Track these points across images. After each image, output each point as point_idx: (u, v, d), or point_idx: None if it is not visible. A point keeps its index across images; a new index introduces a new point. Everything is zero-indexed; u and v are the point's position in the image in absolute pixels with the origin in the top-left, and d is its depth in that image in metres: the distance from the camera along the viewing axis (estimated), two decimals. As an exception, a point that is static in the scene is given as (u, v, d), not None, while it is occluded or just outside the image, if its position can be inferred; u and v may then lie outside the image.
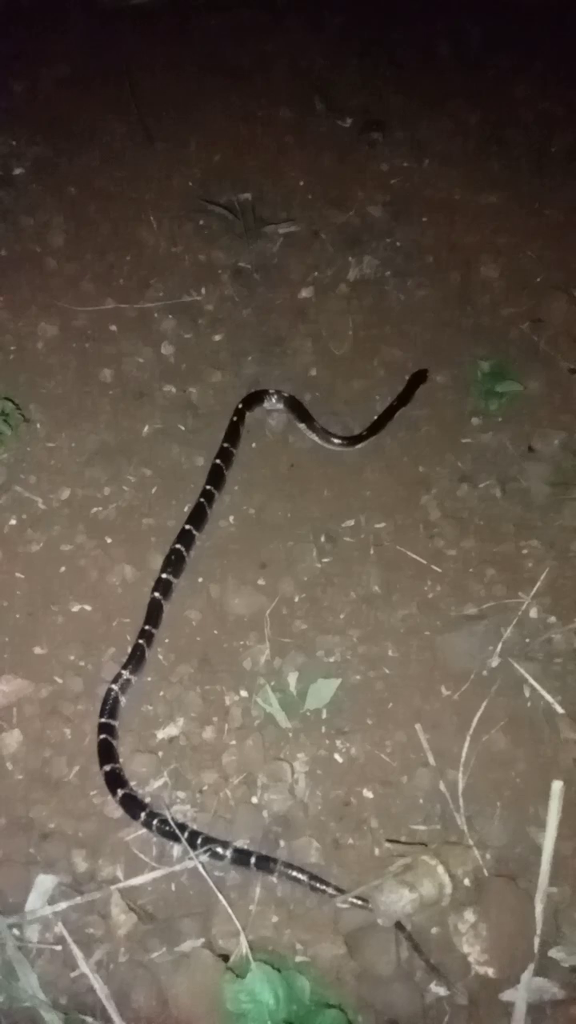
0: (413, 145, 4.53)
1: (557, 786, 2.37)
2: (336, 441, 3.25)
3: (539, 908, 2.23)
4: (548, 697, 2.63)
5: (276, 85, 4.84)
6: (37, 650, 2.69)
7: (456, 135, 4.64)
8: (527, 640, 2.78)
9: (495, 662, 2.71)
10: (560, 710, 2.62)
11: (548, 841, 2.31)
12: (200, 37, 5.17)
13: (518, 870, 2.33)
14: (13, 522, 2.96)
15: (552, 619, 2.83)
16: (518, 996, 2.12)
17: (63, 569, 2.86)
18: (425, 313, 3.81)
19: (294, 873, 2.24)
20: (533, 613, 2.83)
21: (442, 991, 2.13)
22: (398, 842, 2.30)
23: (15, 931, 2.12)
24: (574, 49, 5.19)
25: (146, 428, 3.27)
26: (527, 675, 2.67)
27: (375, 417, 3.34)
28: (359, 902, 2.19)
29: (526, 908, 2.22)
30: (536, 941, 2.18)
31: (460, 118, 4.74)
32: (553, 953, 2.20)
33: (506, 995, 2.14)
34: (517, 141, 4.68)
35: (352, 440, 3.26)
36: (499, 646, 2.72)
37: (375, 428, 3.29)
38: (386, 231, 4.11)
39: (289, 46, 5.09)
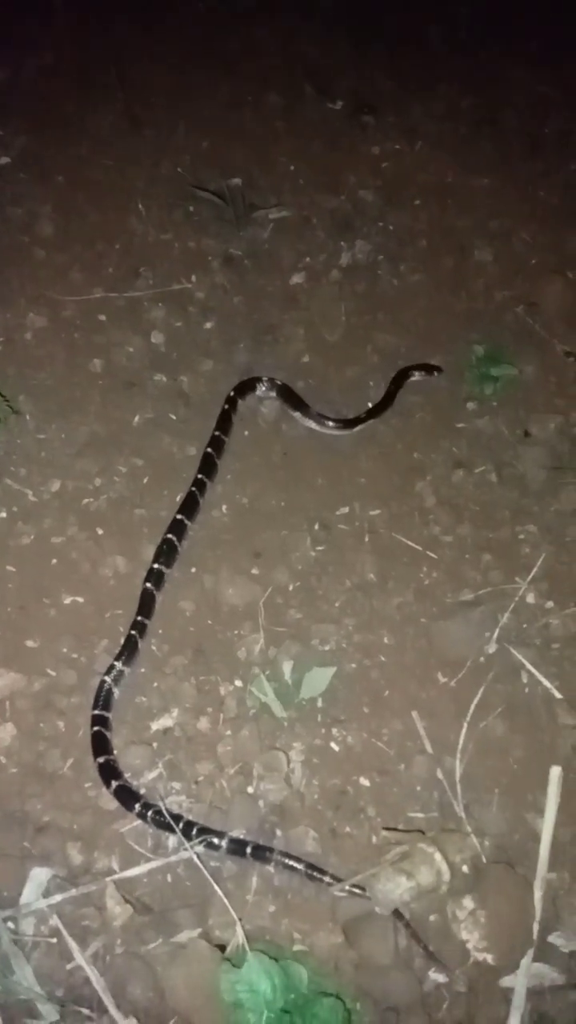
0: (405, 129, 4.48)
1: (555, 772, 2.36)
2: (332, 424, 3.22)
3: (538, 894, 2.21)
4: (546, 682, 2.61)
5: (265, 70, 4.79)
6: (29, 643, 2.66)
7: (448, 118, 4.60)
8: (524, 626, 2.76)
9: (492, 648, 2.68)
10: (558, 695, 2.60)
11: (547, 827, 2.30)
12: (188, 23, 5.10)
13: (516, 857, 2.31)
14: (3, 515, 2.92)
15: (549, 604, 2.81)
16: (517, 982, 2.11)
17: (55, 561, 2.83)
18: (419, 298, 3.77)
19: (291, 862, 2.22)
20: (530, 598, 2.81)
21: (441, 978, 2.12)
22: (395, 830, 2.28)
23: (10, 924, 2.10)
24: (566, 31, 5.13)
25: (137, 418, 3.24)
26: (524, 661, 2.65)
27: (370, 404, 3.31)
28: (356, 890, 2.18)
29: (525, 895, 2.20)
30: (535, 927, 2.17)
31: (452, 101, 4.69)
32: (552, 939, 2.18)
33: (505, 981, 2.13)
34: (510, 124, 4.63)
35: (349, 423, 3.23)
36: (496, 632, 2.70)
37: (371, 414, 3.26)
38: (378, 216, 4.07)
39: (279, 31, 5.02)
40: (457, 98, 4.73)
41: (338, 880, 2.20)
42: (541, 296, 3.75)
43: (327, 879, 2.20)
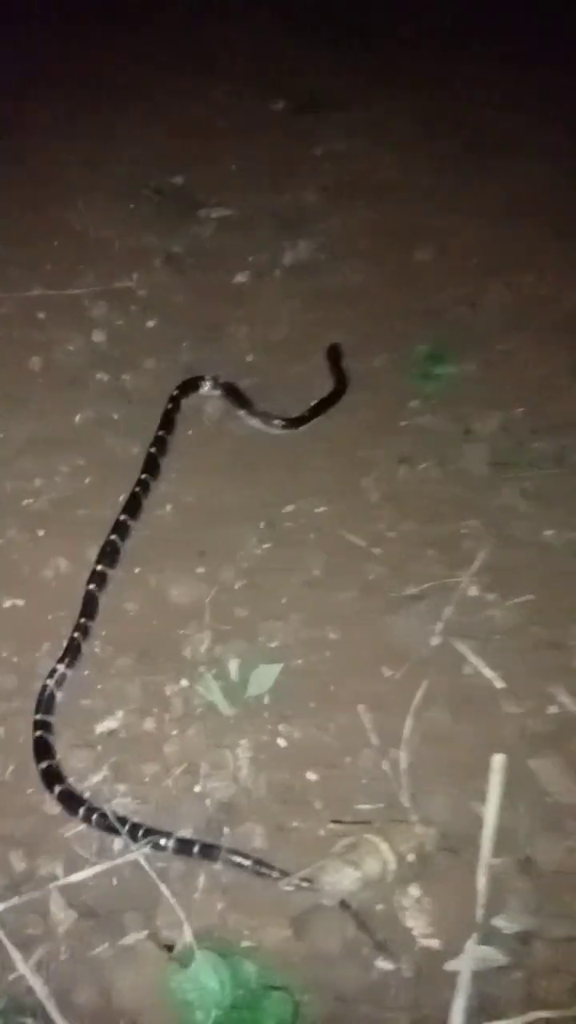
0: (348, 128, 4.53)
1: (498, 759, 2.41)
2: (278, 423, 3.23)
3: (482, 880, 2.25)
4: (489, 672, 2.66)
5: (208, 67, 4.78)
6: (-32, 648, 2.60)
7: (391, 118, 4.66)
8: (467, 618, 2.80)
9: (436, 641, 2.72)
10: (501, 684, 2.65)
11: (489, 814, 2.34)
12: (131, 19, 5.06)
13: (461, 845, 2.34)
14: None
15: (491, 596, 2.86)
16: (462, 965, 2.14)
17: (-6, 564, 2.78)
18: (362, 297, 3.82)
19: (238, 859, 2.21)
20: (472, 592, 2.86)
21: (388, 966, 2.13)
22: (342, 823, 2.30)
23: (-50, 937, 2.04)
24: (511, 31, 5.24)
25: (78, 417, 3.20)
26: (467, 652, 2.70)
27: (313, 401, 3.33)
28: (304, 883, 2.18)
29: (469, 880, 2.24)
30: (480, 912, 2.21)
31: (394, 102, 4.75)
32: (496, 921, 2.22)
33: (451, 965, 2.15)
34: (451, 125, 4.72)
35: (294, 421, 3.24)
36: (439, 625, 2.74)
37: (316, 411, 3.28)
38: (321, 215, 4.11)
39: (220, 28, 5.02)
40: (401, 99, 4.80)
41: (286, 874, 2.21)
42: (482, 296, 3.83)
43: (275, 874, 2.20)
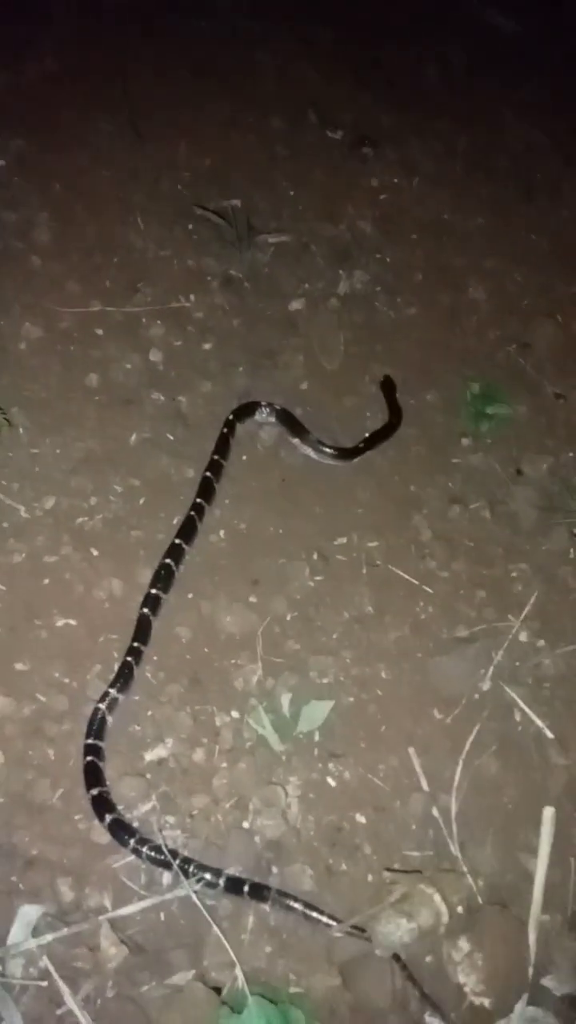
0: (403, 163, 4.56)
1: (548, 813, 2.38)
2: (331, 453, 3.23)
3: (532, 936, 2.23)
4: (539, 722, 2.65)
5: (267, 94, 4.81)
6: (19, 666, 2.57)
7: (445, 157, 4.69)
8: (517, 664, 2.79)
9: (486, 685, 2.71)
10: (550, 735, 2.64)
11: (540, 868, 2.32)
12: (190, 40, 5.10)
13: (510, 897, 2.33)
14: (-6, 530, 2.84)
15: (541, 643, 2.85)
16: (512, 1026, 2.11)
17: (47, 581, 2.75)
18: (414, 331, 3.83)
19: (288, 902, 2.19)
20: (523, 637, 2.86)
21: (436, 1022, 2.11)
22: (395, 870, 2.27)
23: (-2, 966, 2.01)
24: (555, 78, 5.33)
25: (134, 437, 3.18)
26: (517, 699, 2.68)
27: (367, 433, 3.33)
28: (356, 931, 2.15)
29: (519, 937, 2.22)
30: (530, 970, 2.18)
31: (449, 140, 4.79)
32: (545, 982, 2.20)
33: (500, 1025, 2.13)
34: (504, 167, 4.76)
35: (348, 453, 3.24)
36: (490, 670, 2.72)
37: (371, 443, 3.28)
38: (376, 247, 4.12)
39: (280, 56, 5.06)
40: (454, 137, 4.83)
41: (336, 920, 2.18)
42: (533, 337, 3.84)
43: (325, 919, 2.18)
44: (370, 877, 2.31)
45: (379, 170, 4.50)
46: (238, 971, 2.04)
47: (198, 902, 2.14)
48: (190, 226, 4.01)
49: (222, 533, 2.98)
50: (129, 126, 4.42)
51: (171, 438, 3.22)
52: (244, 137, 4.53)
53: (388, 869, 2.26)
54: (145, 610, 2.67)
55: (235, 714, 2.55)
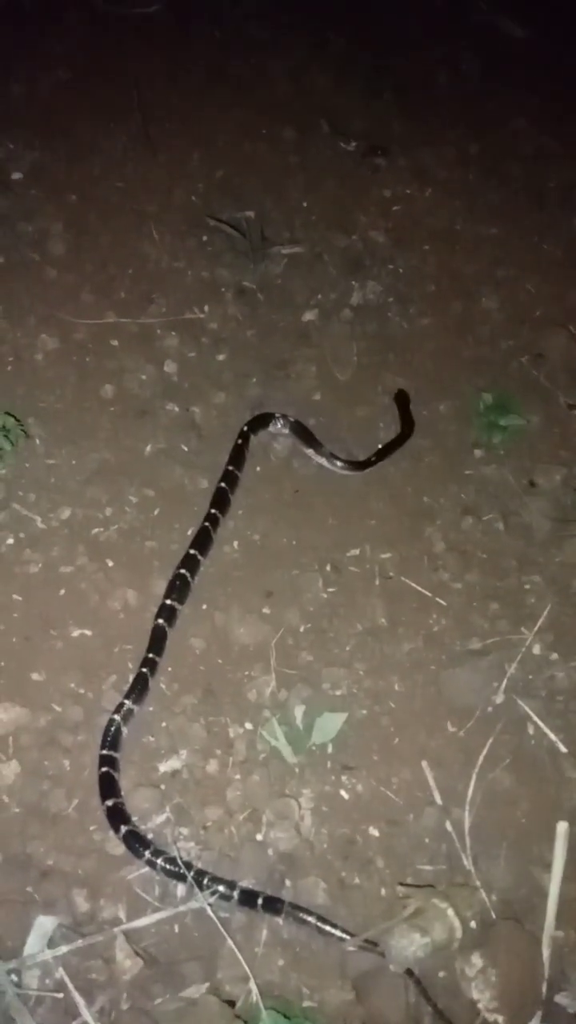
0: (415, 172, 4.56)
1: (562, 827, 2.38)
2: (341, 465, 3.24)
3: (546, 952, 2.22)
4: (552, 736, 2.64)
5: (280, 103, 4.83)
6: (35, 676, 2.60)
7: (457, 165, 4.69)
8: (530, 677, 2.79)
9: (500, 699, 2.71)
10: (563, 749, 2.63)
11: (554, 883, 2.32)
12: (202, 50, 5.12)
13: (523, 912, 2.32)
14: (11, 541, 2.86)
15: (554, 656, 2.85)
16: (526, 1043, 2.10)
17: (62, 592, 2.78)
18: (427, 341, 3.83)
19: (302, 915, 2.19)
20: (536, 650, 2.85)
21: (450, 1038, 2.11)
22: (409, 885, 2.27)
23: (14, 977, 2.03)
24: (567, 85, 5.32)
25: (148, 447, 3.21)
26: (531, 713, 2.68)
27: (380, 445, 3.34)
28: (369, 946, 2.16)
29: (533, 952, 2.21)
30: (544, 987, 2.17)
31: (461, 148, 4.79)
32: (559, 999, 2.19)
33: (513, 1042, 2.13)
34: (516, 175, 4.75)
35: (360, 465, 3.25)
36: (504, 682, 2.72)
37: (383, 453, 3.29)
38: (388, 257, 4.13)
39: (292, 65, 5.08)
40: (466, 145, 4.82)
41: (349, 934, 2.18)
42: (546, 347, 3.83)
43: (338, 933, 2.18)
44: (383, 891, 2.31)
45: (391, 180, 4.50)
46: (252, 985, 2.05)
47: (212, 915, 2.15)
48: (204, 237, 4.03)
49: (236, 544, 3.00)
50: (142, 136, 4.46)
51: (185, 449, 3.24)
52: (257, 147, 4.56)
53: (401, 883, 2.26)
54: (160, 621, 2.69)
55: (248, 726, 2.56)
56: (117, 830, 2.28)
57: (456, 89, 5.24)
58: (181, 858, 2.23)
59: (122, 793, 2.37)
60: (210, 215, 4.07)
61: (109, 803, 2.32)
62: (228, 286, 3.83)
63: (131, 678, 2.57)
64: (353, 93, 5.01)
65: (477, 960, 2.18)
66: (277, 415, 3.31)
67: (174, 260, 3.90)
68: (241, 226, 4.00)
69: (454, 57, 5.37)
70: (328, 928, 2.18)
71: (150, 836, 2.31)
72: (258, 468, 3.24)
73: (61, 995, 2.02)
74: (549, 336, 3.88)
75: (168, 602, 2.72)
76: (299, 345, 3.68)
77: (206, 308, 3.72)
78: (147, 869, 2.25)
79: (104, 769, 2.39)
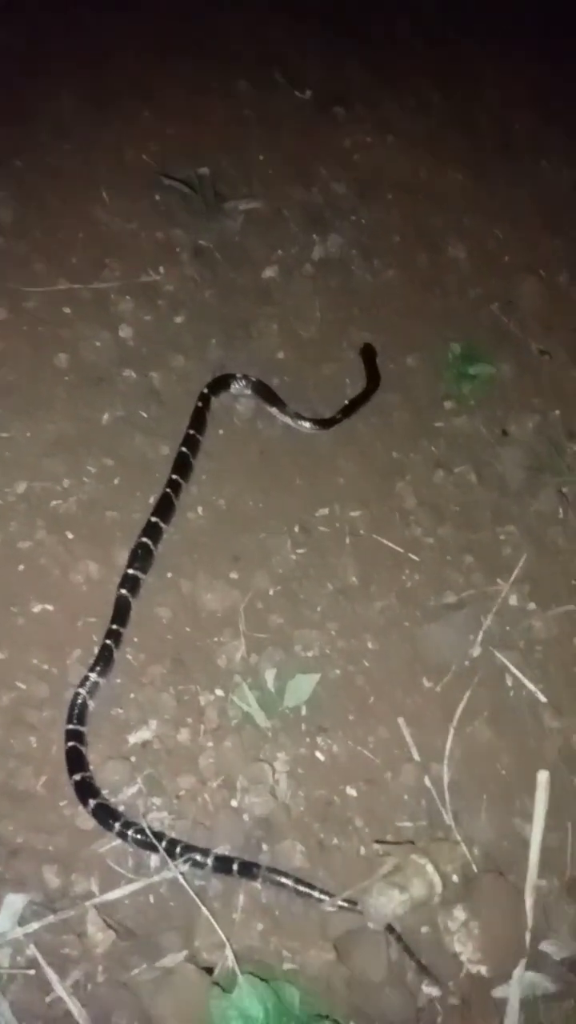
0: (376, 122, 4.41)
1: (543, 777, 2.34)
2: (309, 425, 3.15)
3: (529, 902, 2.19)
4: (531, 686, 2.60)
5: (232, 57, 4.64)
6: (-3, 654, 2.52)
7: (419, 113, 4.55)
8: (507, 628, 2.74)
9: (476, 652, 2.66)
10: (543, 699, 2.59)
11: (536, 833, 2.28)
12: (149, 4, 4.92)
13: (506, 864, 2.29)
14: (-34, 518, 2.77)
15: (531, 606, 2.80)
16: (511, 992, 2.08)
17: (22, 567, 2.68)
18: (393, 294, 3.72)
19: (279, 878, 2.15)
20: (513, 600, 2.80)
21: (434, 992, 2.08)
22: (386, 842, 2.23)
23: (-16, 957, 1.98)
24: (533, 28, 5.15)
25: (106, 416, 3.10)
26: (509, 664, 2.63)
27: (346, 401, 3.25)
28: (348, 905, 2.12)
29: (516, 903, 2.18)
30: (527, 936, 2.14)
31: (423, 96, 4.64)
32: (544, 947, 2.17)
33: (498, 992, 2.10)
34: (481, 122, 4.61)
35: (326, 423, 3.16)
36: (480, 635, 2.67)
37: (349, 410, 3.20)
38: (351, 209, 4.00)
39: (245, 17, 4.88)
40: (428, 92, 4.68)
41: (329, 895, 2.14)
42: (516, 294, 3.74)
43: (317, 894, 2.14)
44: (363, 850, 2.27)
45: (352, 130, 4.36)
46: (228, 951, 2.01)
47: (184, 883, 2.10)
48: (157, 197, 3.88)
49: (200, 510, 2.91)
50: (90, 97, 4.28)
51: (145, 416, 3.13)
52: (209, 101, 4.38)
53: (378, 841, 2.22)
54: (123, 591, 2.60)
55: (219, 692, 2.50)
56: (86, 804, 2.22)
57: (417, 35, 5.07)
58: (152, 828, 2.18)
59: (91, 767, 2.31)
60: (163, 174, 3.92)
61: (77, 777, 2.26)
62: (184, 246, 3.69)
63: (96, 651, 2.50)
64: (308, 41, 4.82)
65: (459, 913, 2.15)
66: (238, 375, 3.21)
67: (127, 222, 3.76)
68: (195, 184, 3.85)
69: (414, 2, 5.19)
70: (306, 890, 2.14)
71: (121, 808, 2.25)
72: (221, 431, 3.14)
73: (33, 972, 1.97)
74: (519, 282, 3.78)
75: (131, 571, 2.64)
76: (260, 303, 3.56)
77: (162, 270, 3.59)
78: (119, 842, 2.20)
79: (71, 744, 2.32)
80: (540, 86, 4.81)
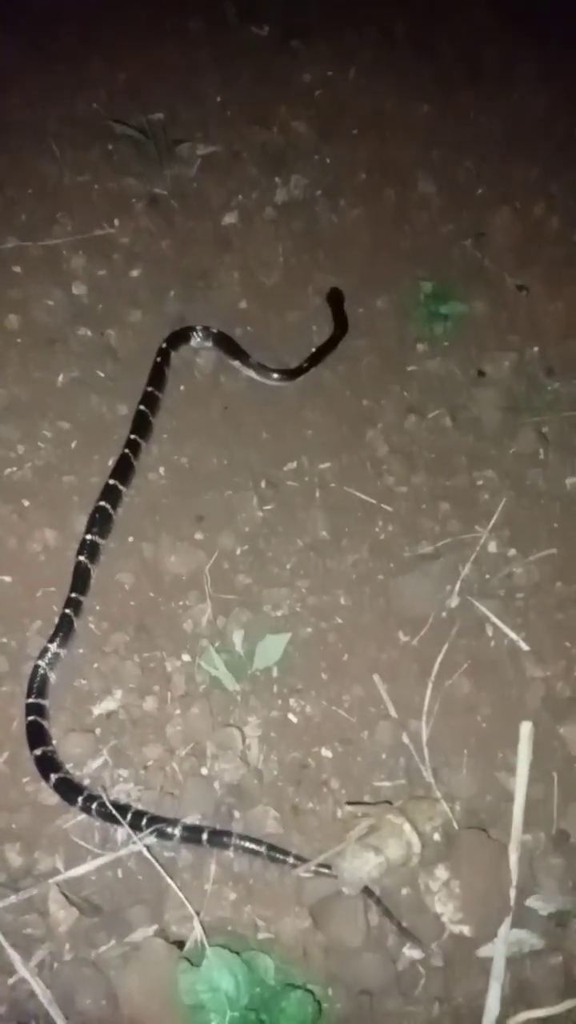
0: (337, 55, 4.16)
1: (526, 727, 2.24)
2: (275, 376, 2.99)
3: (513, 858, 2.09)
4: (512, 634, 2.48)
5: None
6: (-48, 629, 2.42)
7: (382, 44, 4.28)
8: (487, 576, 2.61)
9: (454, 602, 2.53)
10: (525, 647, 2.47)
11: (520, 786, 2.18)
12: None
13: (489, 820, 2.19)
14: None
15: (512, 552, 2.66)
16: (495, 951, 1.99)
17: (-24, 539, 2.57)
18: (360, 235, 3.53)
19: (251, 845, 2.06)
20: (492, 547, 2.67)
21: (416, 955, 2.00)
22: (359, 803, 2.13)
23: (-57, 941, 1.90)
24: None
25: (61, 378, 2.95)
26: (489, 613, 2.51)
27: (313, 349, 3.09)
28: (323, 870, 2.03)
29: (500, 859, 2.09)
30: (512, 893, 2.05)
31: (385, 27, 4.36)
32: (530, 902, 2.08)
33: (483, 951, 2.02)
34: (447, 51, 4.34)
35: (292, 373, 3.01)
36: (457, 585, 2.54)
37: (315, 359, 3.05)
38: (313, 148, 3.79)
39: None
40: (390, 24, 4.40)
41: (303, 860, 2.05)
42: (489, 227, 3.54)
43: (291, 860, 2.05)
44: (339, 813, 2.18)
45: (311, 64, 4.11)
46: (196, 923, 1.92)
47: (148, 855, 2.01)
48: (109, 147, 3.69)
49: (162, 470, 2.78)
50: (36, 47, 4.06)
51: (101, 375, 2.99)
52: (161, 45, 4.15)
53: (351, 803, 2.12)
54: (82, 558, 2.49)
55: (186, 658, 2.40)
56: (47, 779, 2.13)
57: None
58: (117, 801, 2.09)
59: (53, 741, 2.22)
60: (115, 120, 3.71)
61: (38, 752, 2.17)
62: (138, 196, 3.51)
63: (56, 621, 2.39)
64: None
65: (441, 873, 2.06)
66: (198, 328, 3.06)
67: (78, 175, 3.57)
68: (148, 130, 3.65)
69: None
70: (279, 856, 2.05)
71: (86, 782, 2.17)
72: (182, 387, 3.00)
73: (-5, 954, 1.90)
74: (492, 215, 3.57)
75: (89, 538, 2.52)
76: (220, 252, 3.38)
77: (116, 222, 3.41)
78: (84, 816, 2.11)
79: (31, 718, 2.23)
80: (508, 12, 4.52)
